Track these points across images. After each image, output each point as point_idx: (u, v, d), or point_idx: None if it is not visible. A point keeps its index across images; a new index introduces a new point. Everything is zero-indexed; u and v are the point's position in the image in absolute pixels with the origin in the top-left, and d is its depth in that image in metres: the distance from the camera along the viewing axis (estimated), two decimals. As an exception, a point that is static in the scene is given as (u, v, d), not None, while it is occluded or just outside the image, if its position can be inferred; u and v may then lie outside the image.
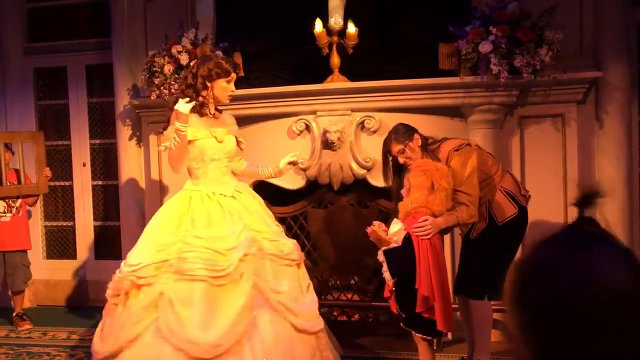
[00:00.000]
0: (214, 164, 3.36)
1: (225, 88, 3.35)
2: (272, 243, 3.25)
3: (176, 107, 3.24)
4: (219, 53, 3.54)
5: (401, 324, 3.24)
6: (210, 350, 2.89)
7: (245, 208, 3.35)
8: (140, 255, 3.15)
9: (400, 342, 3.98)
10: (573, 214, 4.17)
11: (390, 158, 3.42)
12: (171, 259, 3.09)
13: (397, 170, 3.43)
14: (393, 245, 3.11)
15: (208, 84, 3.32)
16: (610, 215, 4.16)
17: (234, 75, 3.37)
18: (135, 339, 2.98)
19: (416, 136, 3.36)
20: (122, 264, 3.21)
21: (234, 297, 3.02)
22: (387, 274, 3.09)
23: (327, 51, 4.27)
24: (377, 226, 3.16)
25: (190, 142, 3.28)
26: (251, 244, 3.15)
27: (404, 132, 3.38)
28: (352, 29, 4.20)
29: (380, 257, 3.13)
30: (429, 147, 3.38)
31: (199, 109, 3.34)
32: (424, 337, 3.15)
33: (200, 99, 3.33)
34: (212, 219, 3.23)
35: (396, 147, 3.36)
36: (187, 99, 3.26)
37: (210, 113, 3.38)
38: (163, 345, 2.93)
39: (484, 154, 3.40)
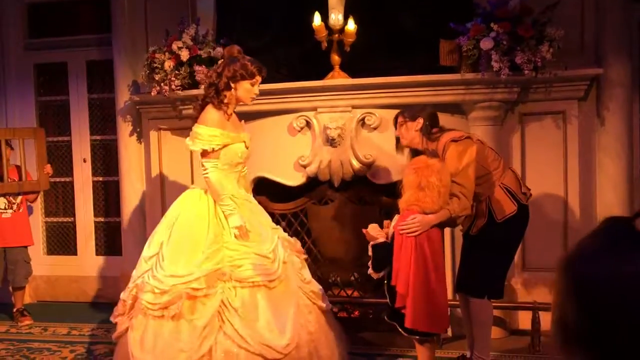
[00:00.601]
0: (237, 167, 3.46)
1: (249, 90, 3.39)
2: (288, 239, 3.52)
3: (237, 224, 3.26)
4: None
5: (385, 317, 3.24)
6: (283, 350, 3.05)
7: (259, 210, 3.55)
8: (188, 265, 3.15)
9: (401, 338, 3.98)
10: (574, 211, 4.19)
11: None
12: (223, 268, 3.15)
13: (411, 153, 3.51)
14: (381, 240, 3.11)
15: (232, 85, 3.35)
16: (611, 212, 4.15)
17: (258, 77, 3.40)
18: (209, 352, 3.02)
19: (419, 120, 3.38)
20: (155, 272, 3.18)
21: (287, 297, 3.21)
22: (371, 269, 3.14)
23: (326, 45, 4.25)
24: (370, 228, 3.20)
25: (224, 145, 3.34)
26: (285, 244, 3.38)
27: (412, 111, 3.46)
28: (351, 25, 4.19)
29: (369, 251, 3.17)
30: (432, 135, 3.37)
31: (222, 107, 3.36)
32: (403, 332, 3.14)
33: (222, 97, 3.35)
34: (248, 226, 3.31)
35: (399, 119, 3.47)
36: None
37: (228, 113, 3.40)
38: (238, 353, 3.01)
39: (484, 149, 3.38)
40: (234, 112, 3.49)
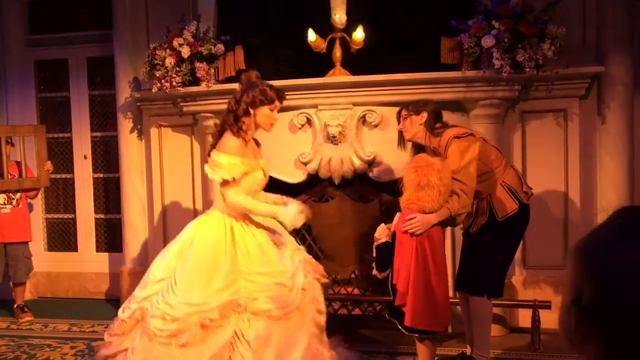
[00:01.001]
0: (255, 194, 3.40)
1: (268, 115, 3.33)
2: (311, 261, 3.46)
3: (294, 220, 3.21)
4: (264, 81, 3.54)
5: (386, 315, 3.24)
6: None
7: (280, 230, 3.45)
8: (202, 294, 3.10)
9: (402, 336, 3.98)
10: (574, 209, 4.18)
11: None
12: (239, 299, 3.11)
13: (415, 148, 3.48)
14: (383, 240, 3.12)
15: (251, 111, 3.30)
16: (613, 208, 4.14)
17: (278, 103, 3.36)
18: None
19: (423, 113, 3.36)
20: (167, 297, 3.12)
21: (302, 327, 3.18)
22: (374, 269, 3.13)
23: (325, 52, 4.26)
24: (377, 230, 3.18)
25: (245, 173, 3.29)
26: (307, 267, 3.32)
27: (416, 105, 3.43)
28: (359, 34, 4.18)
29: (373, 252, 3.17)
30: (436, 130, 3.36)
31: (240, 133, 3.29)
32: (403, 330, 3.14)
33: (241, 123, 3.30)
34: (264, 249, 3.26)
35: (403, 113, 3.44)
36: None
37: (247, 139, 3.33)
38: None
39: (487, 147, 3.37)
40: (253, 137, 3.43)
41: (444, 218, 3.09)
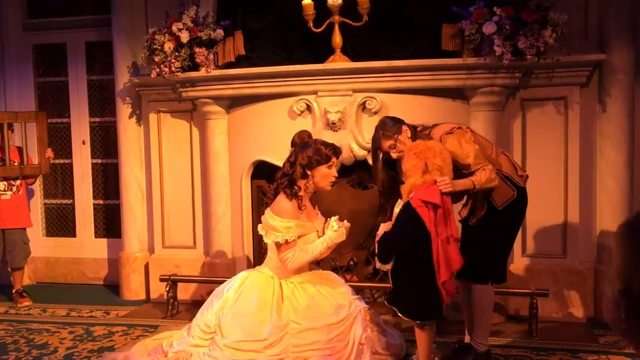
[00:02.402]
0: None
1: (327, 174, 3.32)
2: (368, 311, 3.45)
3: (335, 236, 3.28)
4: (317, 139, 3.53)
5: (385, 302, 3.24)
6: None
7: (336, 279, 3.53)
8: (249, 347, 3.14)
9: (401, 322, 4.00)
10: (573, 197, 4.18)
11: (381, 155, 3.41)
12: (287, 358, 3.12)
13: (388, 165, 3.41)
14: (381, 234, 3.11)
15: (308, 173, 3.28)
16: (612, 197, 4.16)
17: (334, 160, 3.33)
18: None
19: (404, 128, 3.33)
20: (211, 351, 3.19)
21: None
22: (377, 262, 3.12)
23: (312, 24, 4.20)
24: (380, 231, 3.18)
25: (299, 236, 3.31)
26: (365, 317, 3.32)
27: (392, 126, 3.34)
28: None
29: (376, 248, 3.16)
30: (420, 134, 3.35)
31: (293, 197, 3.30)
32: (402, 317, 3.15)
33: (296, 188, 3.29)
34: (316, 301, 3.28)
35: (386, 143, 3.33)
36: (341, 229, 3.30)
37: (303, 204, 3.32)
38: None
39: (476, 136, 3.37)
40: (310, 198, 3.44)
41: (466, 188, 3.16)
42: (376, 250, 3.15)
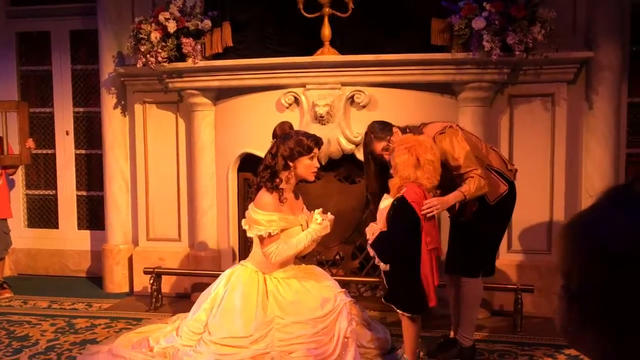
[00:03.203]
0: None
1: (309, 165, 3.29)
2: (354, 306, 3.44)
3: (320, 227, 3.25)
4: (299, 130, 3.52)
5: (382, 299, 3.25)
6: None
7: (321, 274, 3.52)
8: (235, 343, 3.13)
9: (386, 317, 4.00)
10: (559, 193, 4.20)
11: (372, 160, 3.42)
12: (272, 353, 3.10)
13: (381, 170, 3.40)
14: (375, 235, 3.11)
15: (290, 164, 3.26)
16: (597, 194, 4.17)
17: (316, 150, 3.31)
18: None
19: (395, 129, 3.35)
20: (199, 347, 3.17)
21: None
22: (381, 265, 3.10)
23: (301, 5, 4.17)
24: (367, 230, 3.19)
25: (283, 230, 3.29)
26: (351, 310, 3.29)
27: (382, 129, 3.35)
28: None
29: (371, 251, 3.16)
30: (410, 131, 3.36)
31: (273, 191, 3.27)
32: (403, 313, 3.15)
33: (278, 180, 3.27)
34: (301, 297, 3.26)
35: (379, 146, 3.34)
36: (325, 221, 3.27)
37: (285, 196, 3.29)
38: None
39: (467, 134, 3.39)
40: (294, 190, 3.41)
41: (457, 201, 3.17)
42: (372, 253, 3.14)
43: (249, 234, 3.38)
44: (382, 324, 3.77)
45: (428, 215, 3.05)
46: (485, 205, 3.31)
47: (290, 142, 3.25)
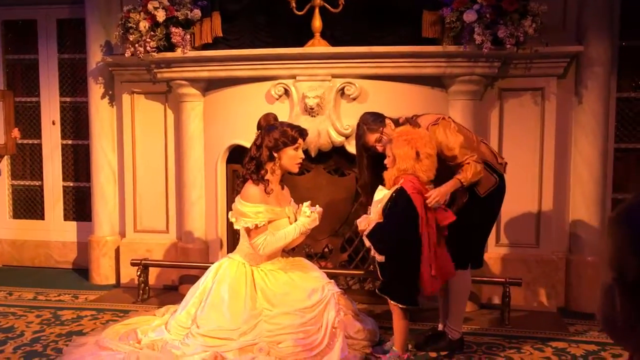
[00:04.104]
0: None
1: (293, 156, 3.30)
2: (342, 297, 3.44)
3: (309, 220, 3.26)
4: (284, 121, 3.51)
5: (377, 290, 3.25)
6: None
7: (308, 265, 3.54)
8: (223, 334, 3.13)
9: (373, 310, 3.99)
10: (548, 187, 4.21)
11: (365, 155, 3.41)
12: (261, 343, 3.11)
13: (372, 163, 3.40)
14: (371, 226, 3.10)
15: (275, 155, 3.26)
16: (586, 188, 4.20)
17: (301, 141, 3.32)
18: None
19: (387, 120, 3.35)
20: (187, 339, 3.16)
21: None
22: (377, 256, 3.10)
23: (293, 4, 4.15)
24: (360, 222, 3.19)
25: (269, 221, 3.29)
26: (340, 301, 3.30)
27: (374, 120, 3.35)
28: None
29: (367, 242, 3.15)
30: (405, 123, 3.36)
31: (259, 182, 3.29)
32: (397, 305, 3.15)
33: (263, 172, 3.28)
34: (287, 289, 3.28)
35: (372, 137, 3.34)
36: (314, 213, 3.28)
37: (270, 188, 3.30)
38: None
39: (459, 126, 3.39)
40: (280, 182, 3.43)
41: (455, 189, 3.19)
42: (368, 244, 3.14)
43: (236, 226, 3.38)
44: (371, 316, 3.78)
45: (435, 205, 3.07)
46: (475, 197, 3.32)
47: (275, 132, 3.27)
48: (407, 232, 3.04)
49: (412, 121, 3.34)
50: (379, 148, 3.31)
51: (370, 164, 3.43)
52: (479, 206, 3.34)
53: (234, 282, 3.26)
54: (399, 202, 3.04)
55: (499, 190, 3.40)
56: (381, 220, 3.09)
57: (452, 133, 3.23)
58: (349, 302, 3.46)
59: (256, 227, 3.24)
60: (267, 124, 3.34)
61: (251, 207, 3.24)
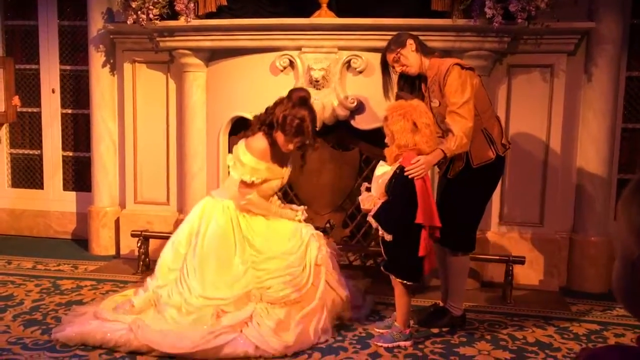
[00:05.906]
0: (268, 198, 3.47)
1: (282, 144, 3.33)
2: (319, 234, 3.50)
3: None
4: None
5: (382, 268, 3.22)
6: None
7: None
8: (216, 287, 3.16)
9: (375, 286, 3.97)
10: (554, 165, 4.17)
11: (394, 71, 3.36)
12: (252, 290, 3.17)
13: (407, 80, 3.36)
14: (376, 206, 3.05)
15: (273, 129, 3.32)
16: (592, 167, 4.16)
17: (295, 140, 3.33)
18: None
19: (409, 41, 3.26)
20: (180, 289, 3.17)
21: (318, 298, 3.23)
22: (386, 235, 3.05)
23: None
24: (363, 201, 3.14)
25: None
26: (319, 240, 3.37)
27: (396, 39, 3.30)
28: None
29: (373, 223, 3.10)
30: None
31: (269, 138, 3.35)
32: (402, 281, 3.13)
33: (274, 133, 3.33)
34: (270, 234, 3.34)
35: (390, 56, 3.30)
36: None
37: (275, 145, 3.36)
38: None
39: (482, 89, 3.30)
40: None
41: (439, 160, 3.10)
42: (375, 224, 3.08)
43: (232, 172, 3.39)
44: (369, 292, 3.79)
45: (416, 177, 2.98)
46: (469, 168, 3.25)
47: (289, 115, 3.25)
48: (409, 210, 3.00)
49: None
50: (397, 68, 3.30)
51: (404, 79, 3.38)
52: (471, 178, 3.25)
53: (222, 231, 3.31)
54: (400, 180, 2.99)
55: (493, 169, 3.30)
56: (384, 199, 3.05)
57: (470, 86, 3.11)
58: (329, 242, 3.55)
59: (252, 182, 3.32)
60: (299, 97, 3.33)
61: (253, 162, 3.31)
